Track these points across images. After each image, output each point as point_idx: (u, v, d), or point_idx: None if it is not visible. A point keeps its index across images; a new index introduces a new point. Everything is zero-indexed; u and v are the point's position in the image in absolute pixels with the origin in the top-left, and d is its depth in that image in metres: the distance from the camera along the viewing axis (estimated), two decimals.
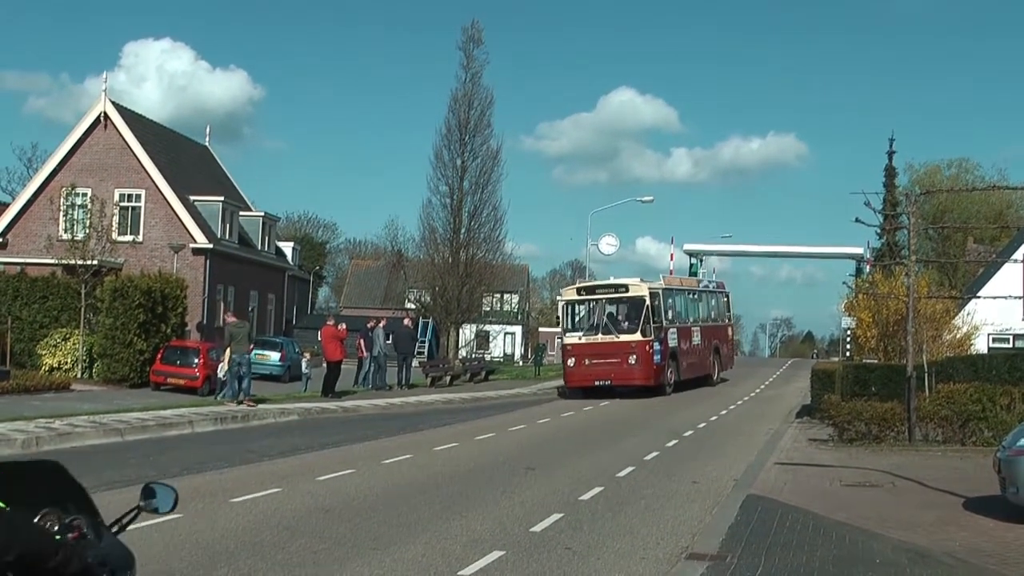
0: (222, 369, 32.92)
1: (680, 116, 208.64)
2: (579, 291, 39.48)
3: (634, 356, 35.86)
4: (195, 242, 47.23)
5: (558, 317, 41.42)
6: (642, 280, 39.39)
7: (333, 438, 22.17)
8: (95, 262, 38.75)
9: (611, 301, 38.39)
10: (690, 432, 24.45)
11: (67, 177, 45.45)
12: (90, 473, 15.81)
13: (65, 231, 40.68)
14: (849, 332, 46.57)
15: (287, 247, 64.84)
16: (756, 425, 26.88)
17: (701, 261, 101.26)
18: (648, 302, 36.39)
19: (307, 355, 39.10)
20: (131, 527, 11.10)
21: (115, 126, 47.91)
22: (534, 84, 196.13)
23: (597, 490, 14.98)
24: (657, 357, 36.43)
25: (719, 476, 17.04)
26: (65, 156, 48.01)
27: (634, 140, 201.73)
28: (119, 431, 21.11)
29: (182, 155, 54.29)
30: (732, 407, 32.26)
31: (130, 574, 4.25)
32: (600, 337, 36.82)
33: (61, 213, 41.91)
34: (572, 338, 37.55)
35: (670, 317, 38.80)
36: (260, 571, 9.59)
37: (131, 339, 35.15)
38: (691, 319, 41.85)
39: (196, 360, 34.50)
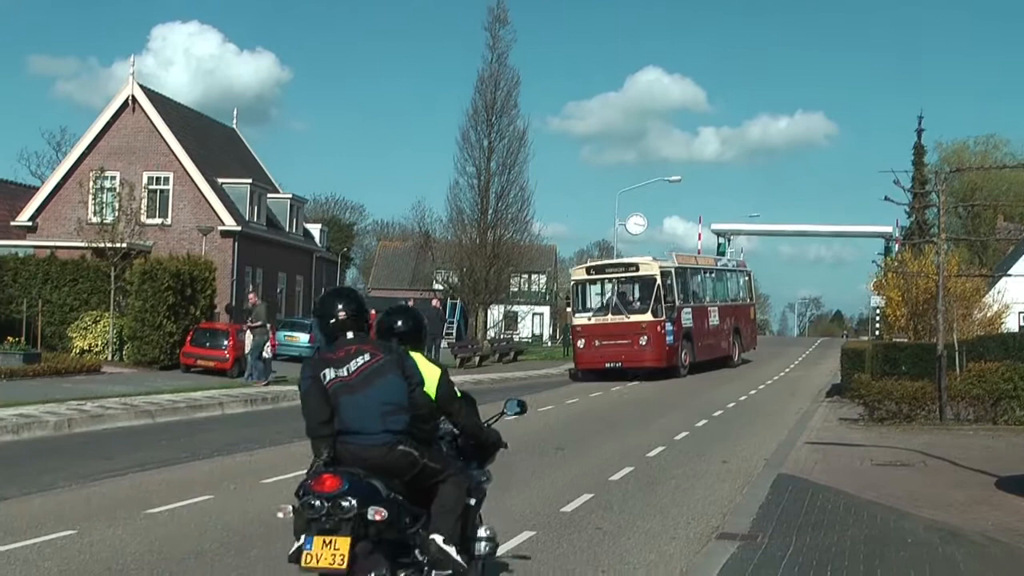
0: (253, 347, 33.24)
1: (708, 95, 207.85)
2: (589, 270, 38.50)
3: (645, 337, 35.00)
4: (223, 224, 47.33)
5: (567, 298, 41.23)
6: (655, 259, 38.24)
7: None
8: (124, 245, 38.89)
9: (622, 280, 37.20)
10: (719, 412, 24.41)
11: (96, 161, 45.59)
12: (122, 454, 15.98)
13: (94, 214, 40.80)
14: (878, 311, 46.48)
15: (315, 229, 64.87)
16: (786, 404, 26.80)
17: (729, 241, 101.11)
18: (659, 281, 35.38)
19: None
20: (163, 507, 11.24)
21: (143, 109, 48.03)
22: (561, 64, 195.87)
23: (627, 470, 14.97)
24: (670, 338, 35.47)
25: (749, 456, 17.01)
26: (94, 140, 48.16)
27: (662, 120, 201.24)
28: (150, 413, 21.23)
29: (210, 138, 54.39)
30: (754, 390, 31.91)
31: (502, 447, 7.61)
32: (610, 317, 35.83)
33: (90, 196, 42.01)
34: (581, 319, 36.61)
35: (684, 297, 37.87)
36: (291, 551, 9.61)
37: (161, 321, 35.26)
38: (708, 299, 40.87)
39: (225, 342, 34.59)
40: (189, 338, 35.14)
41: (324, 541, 6.04)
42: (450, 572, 6.52)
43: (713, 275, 42.57)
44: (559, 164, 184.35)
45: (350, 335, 6.57)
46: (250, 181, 50.82)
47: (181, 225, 47.17)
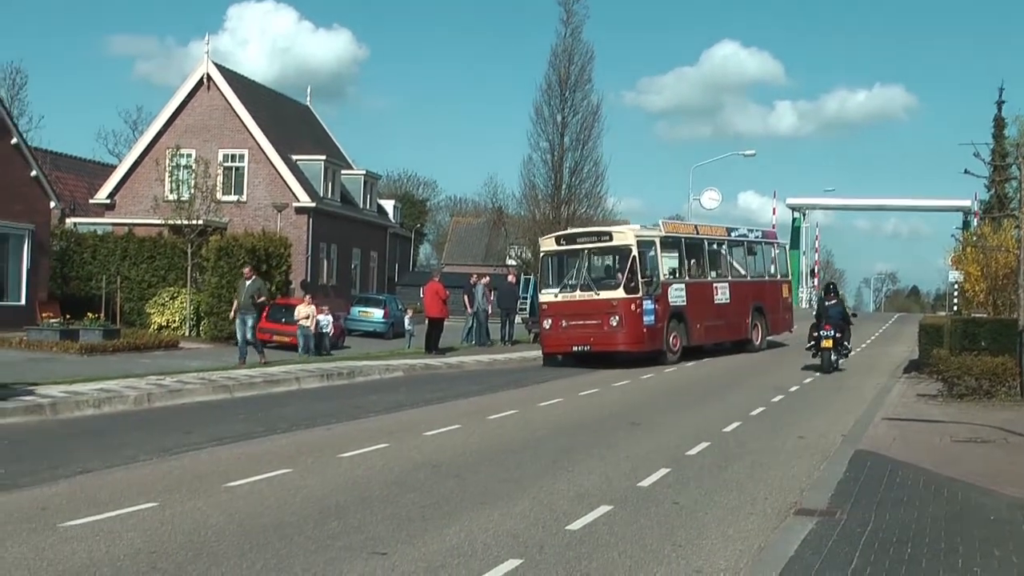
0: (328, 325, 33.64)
1: (785, 69, 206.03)
2: (559, 240, 33.08)
3: (616, 317, 30.16)
4: (298, 201, 47.73)
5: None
6: (643, 227, 34.58)
7: (437, 394, 22.31)
8: (200, 222, 39.30)
9: (595, 252, 32.43)
10: (795, 387, 24.23)
11: (172, 139, 46.14)
12: (201, 428, 16.17)
13: (171, 192, 41.25)
14: (956, 286, 45.81)
15: (388, 205, 65.21)
16: (863, 380, 26.54)
17: (804, 215, 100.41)
18: (635, 252, 30.27)
19: (410, 312, 39.31)
20: (242, 481, 11.34)
21: (218, 87, 48.52)
22: (635, 38, 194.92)
23: (703, 445, 14.90)
24: (648, 318, 30.46)
25: (826, 431, 16.86)
26: (169, 118, 48.75)
27: (737, 94, 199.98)
28: (228, 388, 21.44)
29: (284, 115, 54.80)
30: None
31: None
32: (578, 295, 31.04)
33: (166, 174, 42.47)
34: (547, 296, 31.89)
35: (674, 270, 33.20)
36: (370, 525, 9.68)
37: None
38: (714, 273, 35.38)
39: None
40: (265, 314, 35.42)
41: None
42: None
43: (723, 246, 36.61)
44: (633, 139, 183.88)
45: None
46: (324, 158, 51.20)
47: (256, 202, 47.65)
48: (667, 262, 32.63)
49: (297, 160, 49.79)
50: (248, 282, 28.94)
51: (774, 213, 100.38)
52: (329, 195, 51.11)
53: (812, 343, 28.84)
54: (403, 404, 20.35)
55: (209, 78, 48.58)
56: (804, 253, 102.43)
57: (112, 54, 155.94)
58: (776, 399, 21.60)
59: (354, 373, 25.83)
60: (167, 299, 38.24)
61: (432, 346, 32.71)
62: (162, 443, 14.52)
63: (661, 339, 31.11)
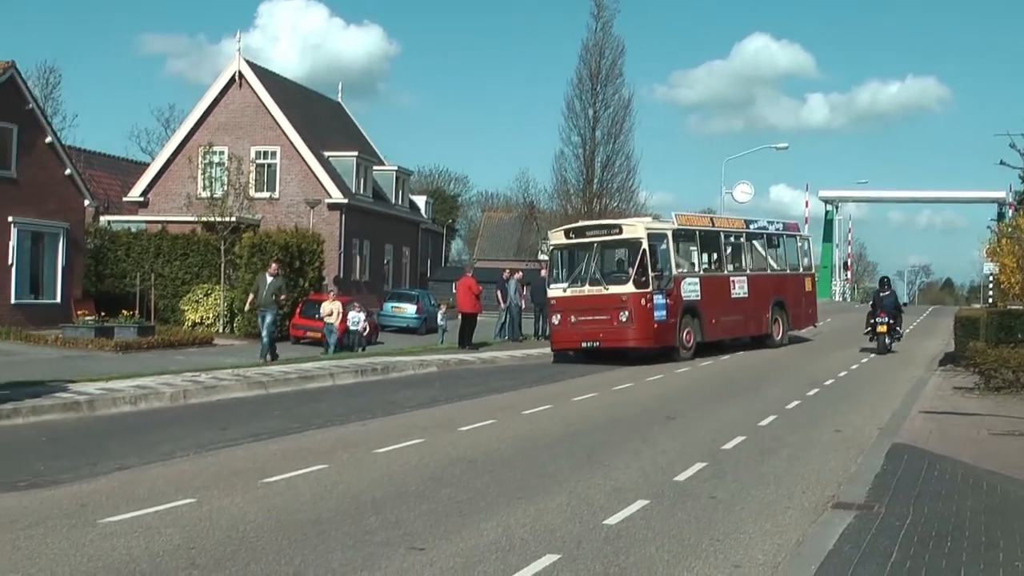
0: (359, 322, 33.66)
1: (817, 61, 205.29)
2: (568, 233, 32.13)
3: (625, 312, 29.13)
4: (330, 197, 47.84)
5: (543, 262, 37.06)
6: (656, 219, 33.36)
7: (471, 389, 22.32)
8: (233, 219, 39.43)
9: (605, 245, 31.12)
10: (831, 381, 24.13)
11: (204, 136, 46.31)
12: (237, 424, 16.23)
13: (203, 189, 41.40)
14: (991, 278, 45.54)
15: (420, 201, 65.29)
16: (898, 373, 26.42)
17: (837, 208, 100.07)
18: (645, 245, 29.18)
19: (443, 307, 39.34)
20: (278, 477, 11.39)
21: (250, 85, 48.67)
22: (666, 32, 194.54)
23: (739, 439, 14.86)
24: (660, 313, 29.44)
25: (862, 425, 16.79)
26: (202, 116, 48.94)
27: (769, 87, 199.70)
28: (263, 384, 21.50)
29: (316, 111, 54.94)
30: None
31: None
32: (587, 289, 30.13)
33: (199, 172, 42.62)
34: (556, 290, 30.92)
35: (687, 264, 32.50)
36: (407, 520, 9.69)
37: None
38: (731, 267, 34.05)
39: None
40: (298, 310, 35.59)
41: None
42: None
43: (741, 239, 35.37)
44: (665, 133, 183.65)
45: None
46: (356, 154, 51.30)
47: (289, 198, 47.79)
48: (680, 255, 31.73)
49: (329, 156, 49.89)
50: (272, 279, 28.64)
51: (807, 206, 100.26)
52: (361, 191, 51.20)
53: (869, 329, 33.16)
54: (437, 400, 20.37)
55: (241, 75, 48.73)
56: (837, 246, 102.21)
57: (144, 52, 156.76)
58: (811, 393, 21.53)
59: (388, 369, 25.86)
60: (201, 296, 38.42)
61: (465, 341, 32.73)
62: (199, 439, 14.59)
63: (673, 335, 30.07)
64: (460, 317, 33.87)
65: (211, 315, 37.93)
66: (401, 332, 43.42)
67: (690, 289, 31.07)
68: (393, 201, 56.20)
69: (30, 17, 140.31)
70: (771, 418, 17.28)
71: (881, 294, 34.04)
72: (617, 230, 30.95)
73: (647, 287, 29.08)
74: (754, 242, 36.80)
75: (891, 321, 32.78)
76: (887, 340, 32.49)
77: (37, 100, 39.80)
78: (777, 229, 38.12)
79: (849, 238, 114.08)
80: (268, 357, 27.16)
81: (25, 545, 8.64)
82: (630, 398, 21.10)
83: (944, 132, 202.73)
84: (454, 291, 37.90)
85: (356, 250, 50.68)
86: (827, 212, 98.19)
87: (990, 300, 47.80)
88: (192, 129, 48.86)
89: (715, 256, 33.95)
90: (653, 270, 29.27)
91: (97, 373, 21.90)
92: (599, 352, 29.72)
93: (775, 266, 37.81)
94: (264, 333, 27.97)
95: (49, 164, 37.11)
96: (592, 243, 30.70)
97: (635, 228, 30.38)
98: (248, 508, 10.18)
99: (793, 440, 15.02)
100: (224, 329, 37.15)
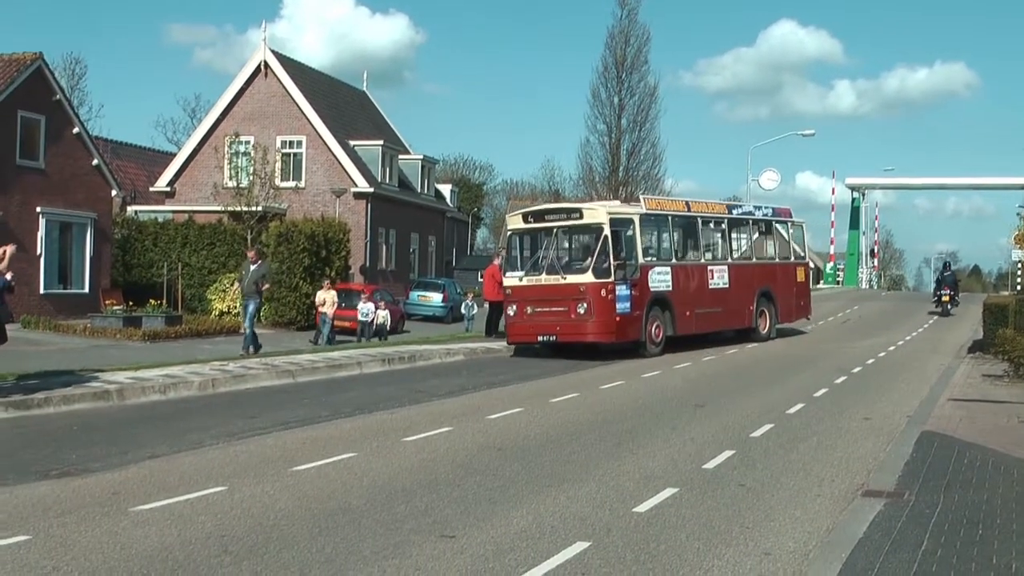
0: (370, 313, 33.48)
1: (845, 48, 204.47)
2: (526, 217, 29.58)
3: (583, 304, 26.92)
4: (356, 186, 47.91)
5: (500, 249, 34.09)
6: (624, 202, 31.64)
7: (499, 377, 22.33)
8: (260, 208, 39.62)
9: (565, 231, 28.95)
10: (859, 368, 24.06)
11: (230, 126, 46.48)
12: (266, 413, 16.28)
13: (230, 179, 41.60)
14: (1020, 265, 45.33)
15: (446, 189, 65.34)
16: (927, 361, 26.33)
17: (864, 195, 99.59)
18: (607, 231, 26.94)
19: (469, 296, 39.39)
20: (308, 465, 11.46)
21: (275, 74, 48.77)
22: (692, 19, 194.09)
23: (768, 427, 14.84)
24: (623, 305, 27.20)
25: (891, 412, 16.74)
26: (228, 106, 49.07)
27: (796, 73, 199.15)
28: (291, 373, 21.57)
29: (341, 101, 55.01)
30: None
31: None
32: (544, 278, 27.85)
33: (225, 161, 42.77)
34: (512, 279, 28.65)
35: (656, 252, 29.80)
36: (437, 508, 9.72)
37: (297, 283, 35.91)
38: (709, 255, 31.72)
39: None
40: None
41: None
42: None
43: (721, 225, 32.69)
44: (692, 120, 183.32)
45: None
46: (381, 143, 51.35)
47: (315, 187, 47.90)
48: (649, 242, 29.58)
49: (355, 145, 49.97)
50: (253, 266, 26.89)
51: (833, 193, 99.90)
52: (387, 180, 51.27)
53: (936, 298, 48.54)
54: (465, 388, 20.38)
55: (266, 65, 48.84)
56: (864, 233, 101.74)
57: (171, 43, 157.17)
58: (839, 380, 21.47)
59: (415, 357, 25.90)
60: (227, 285, 38.54)
61: (492, 330, 32.72)
62: (228, 428, 14.65)
63: (639, 329, 27.85)
64: (487, 305, 33.86)
65: (238, 304, 38.02)
66: (427, 320, 43.53)
67: (660, 279, 28.91)
68: (419, 190, 56.26)
69: (57, 8, 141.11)
70: (799, 406, 17.24)
71: (944, 274, 49.30)
72: (577, 214, 28.67)
73: (608, 276, 26.85)
74: (738, 228, 33.97)
75: (951, 292, 47.16)
76: (948, 306, 46.49)
77: (64, 91, 39.97)
78: (765, 214, 35.68)
79: (876, 225, 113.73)
80: (251, 349, 25.88)
81: (59, 533, 8.70)
82: (658, 386, 21.06)
83: (972, 118, 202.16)
84: (480, 279, 37.90)
85: (382, 239, 50.77)
86: (854, 199, 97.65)
87: (1019, 287, 47.63)
88: (218, 119, 49.00)
89: (691, 243, 31.70)
90: (616, 258, 26.99)
91: (126, 362, 22.04)
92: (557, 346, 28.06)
93: (762, 254, 35.76)
94: (247, 324, 26.59)
95: (76, 155, 37.29)
96: (552, 228, 28.50)
97: (596, 212, 28.17)
98: (279, 496, 10.22)
99: (822, 428, 15.00)
100: None
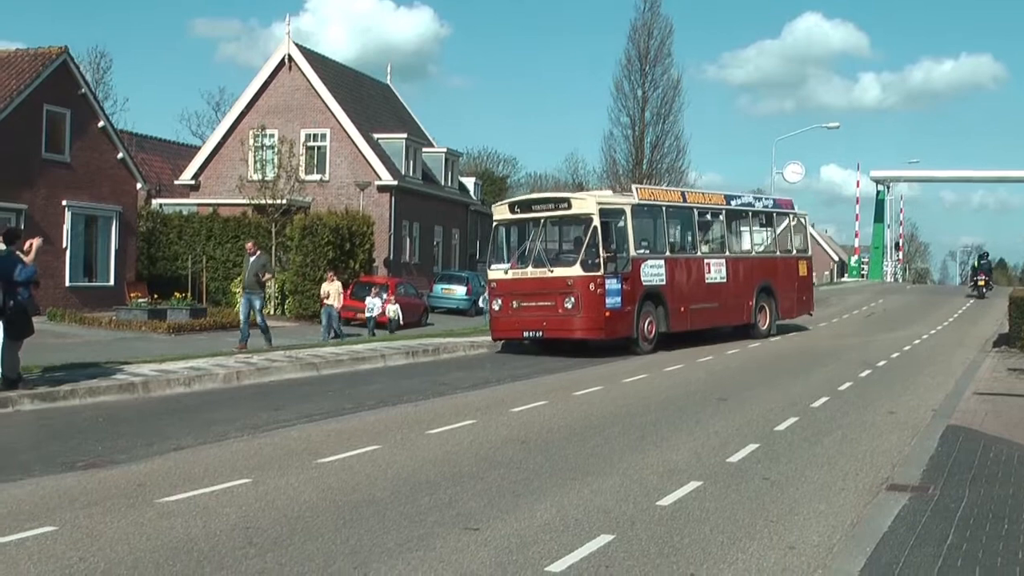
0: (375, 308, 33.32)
1: (870, 40, 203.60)
2: (513, 207, 28.63)
3: (571, 298, 25.86)
4: (380, 179, 47.93)
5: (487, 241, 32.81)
6: (617, 192, 30.70)
7: (522, 370, 22.36)
8: (284, 201, 39.66)
9: (554, 221, 27.91)
10: (883, 362, 23.99)
11: (254, 119, 46.55)
12: (290, 405, 16.32)
13: (254, 172, 41.67)
14: None
15: (469, 182, 65.26)
16: (952, 355, 26.23)
17: (888, 188, 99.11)
18: (597, 222, 25.91)
19: None
20: (332, 457, 11.46)
21: (299, 68, 48.82)
22: (716, 12, 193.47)
23: (792, 420, 14.81)
24: (613, 299, 26.15)
25: (916, 406, 16.67)
26: (252, 99, 49.16)
27: (821, 66, 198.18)
28: (315, 365, 21.62)
29: (365, 94, 55.06)
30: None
31: None
32: (530, 271, 26.79)
33: (250, 154, 42.86)
34: (497, 272, 27.87)
35: (649, 244, 28.43)
36: (461, 500, 9.73)
37: (321, 276, 35.90)
38: (705, 248, 30.70)
39: (384, 295, 35.04)
40: (349, 292, 35.70)
41: None
42: None
43: (720, 217, 31.62)
44: (716, 113, 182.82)
45: None
46: (405, 136, 51.36)
47: (339, 180, 47.93)
48: (641, 235, 28.07)
49: (379, 138, 49.99)
50: (252, 258, 26.21)
51: (857, 186, 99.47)
52: (411, 173, 51.29)
53: (972, 283, 56.77)
54: (488, 381, 20.41)
55: (291, 59, 48.89)
56: (888, 226, 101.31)
57: (195, 37, 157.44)
58: (864, 374, 21.40)
59: (439, 350, 25.94)
60: None
61: None
62: (252, 420, 14.70)
63: (630, 325, 26.79)
64: None
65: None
66: (451, 313, 43.55)
67: (652, 273, 27.78)
68: (442, 183, 56.25)
69: (82, 2, 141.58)
70: (823, 400, 17.20)
71: (981, 261, 57.49)
72: (566, 204, 27.54)
73: (597, 270, 25.85)
74: (736, 221, 32.77)
75: (987, 278, 55.03)
76: (984, 289, 53.89)
77: (89, 85, 40.12)
78: (766, 206, 34.39)
79: (901, 218, 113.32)
80: (248, 343, 25.24)
81: (85, 524, 8.74)
82: (681, 379, 21.05)
83: (999, 110, 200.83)
84: None
85: (406, 232, 50.79)
86: (878, 192, 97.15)
87: None
88: (242, 112, 49.09)
89: (687, 236, 30.56)
90: (606, 250, 26.00)
91: (151, 355, 22.12)
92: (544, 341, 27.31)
93: (763, 247, 34.11)
94: (259, 319, 26.13)
95: (102, 148, 37.43)
96: (539, 219, 27.57)
97: (585, 202, 27.03)
98: (303, 488, 10.25)
99: (846, 421, 14.95)
100: (275, 311, 37.35)
